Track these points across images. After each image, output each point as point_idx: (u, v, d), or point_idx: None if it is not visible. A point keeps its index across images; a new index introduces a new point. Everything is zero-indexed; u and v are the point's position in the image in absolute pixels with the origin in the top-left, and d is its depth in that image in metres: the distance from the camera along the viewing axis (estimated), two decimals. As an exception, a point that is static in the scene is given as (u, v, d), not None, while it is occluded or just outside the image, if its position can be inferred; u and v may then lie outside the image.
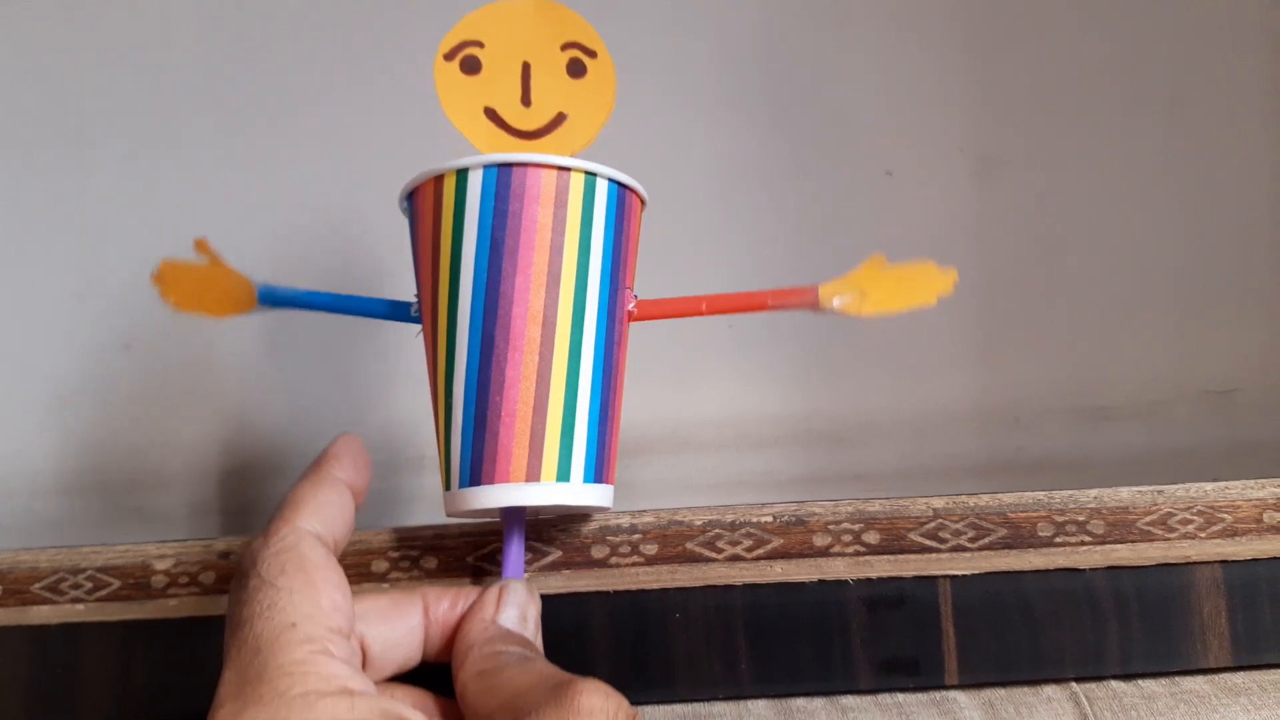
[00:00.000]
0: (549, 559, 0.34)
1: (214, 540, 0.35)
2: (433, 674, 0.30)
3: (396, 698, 0.28)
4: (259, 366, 0.49)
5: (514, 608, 0.29)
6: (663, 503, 0.49)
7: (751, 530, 0.34)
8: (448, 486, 0.31)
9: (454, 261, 0.30)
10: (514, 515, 0.31)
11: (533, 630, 0.30)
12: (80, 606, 0.35)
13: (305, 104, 0.50)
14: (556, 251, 0.30)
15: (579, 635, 0.34)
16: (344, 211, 0.49)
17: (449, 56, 0.31)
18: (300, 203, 0.50)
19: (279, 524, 0.28)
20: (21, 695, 0.34)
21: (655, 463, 0.50)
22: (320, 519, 0.28)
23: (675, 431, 0.50)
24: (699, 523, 0.34)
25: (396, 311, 0.33)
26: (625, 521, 0.35)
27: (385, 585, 0.34)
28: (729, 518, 0.34)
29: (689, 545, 0.34)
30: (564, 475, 0.30)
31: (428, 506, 0.50)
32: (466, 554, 0.34)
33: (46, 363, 0.49)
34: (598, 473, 0.31)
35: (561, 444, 0.30)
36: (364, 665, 0.28)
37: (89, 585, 0.35)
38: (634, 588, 0.34)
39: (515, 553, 0.31)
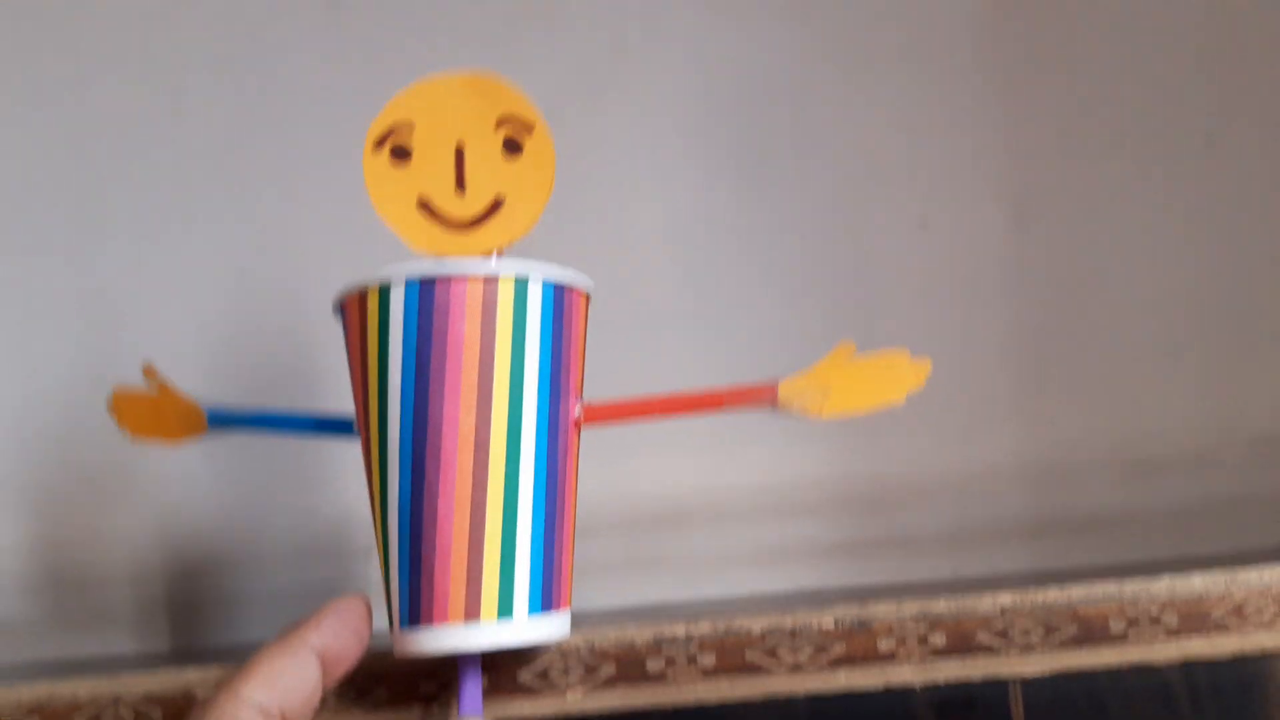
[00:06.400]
0: (603, 675, 0.33)
1: (256, 664, 0.34)
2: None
3: None
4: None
5: None
6: (702, 576, 0.49)
7: (813, 636, 0.33)
8: (390, 624, 0.29)
9: (381, 383, 0.29)
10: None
11: None
12: (122, 739, 0.34)
13: (317, 182, 0.49)
14: (486, 368, 0.28)
15: (638, 751, 0.33)
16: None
17: (379, 143, 0.30)
18: (318, 279, 0.49)
19: (221, 693, 0.26)
20: (65, 832, 0.33)
21: (693, 534, 0.49)
22: (269, 689, 0.26)
23: (713, 500, 0.49)
24: (757, 630, 0.33)
25: (338, 428, 0.32)
26: (681, 632, 0.33)
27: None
28: (788, 624, 0.33)
29: (749, 655, 0.33)
30: (506, 610, 0.28)
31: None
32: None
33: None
34: (545, 600, 0.29)
35: (501, 577, 0.28)
36: None
37: (129, 716, 0.34)
38: (693, 701, 0.33)
39: (471, 688, 0.29)
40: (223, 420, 0.33)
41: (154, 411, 0.33)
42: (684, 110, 0.50)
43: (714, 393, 0.31)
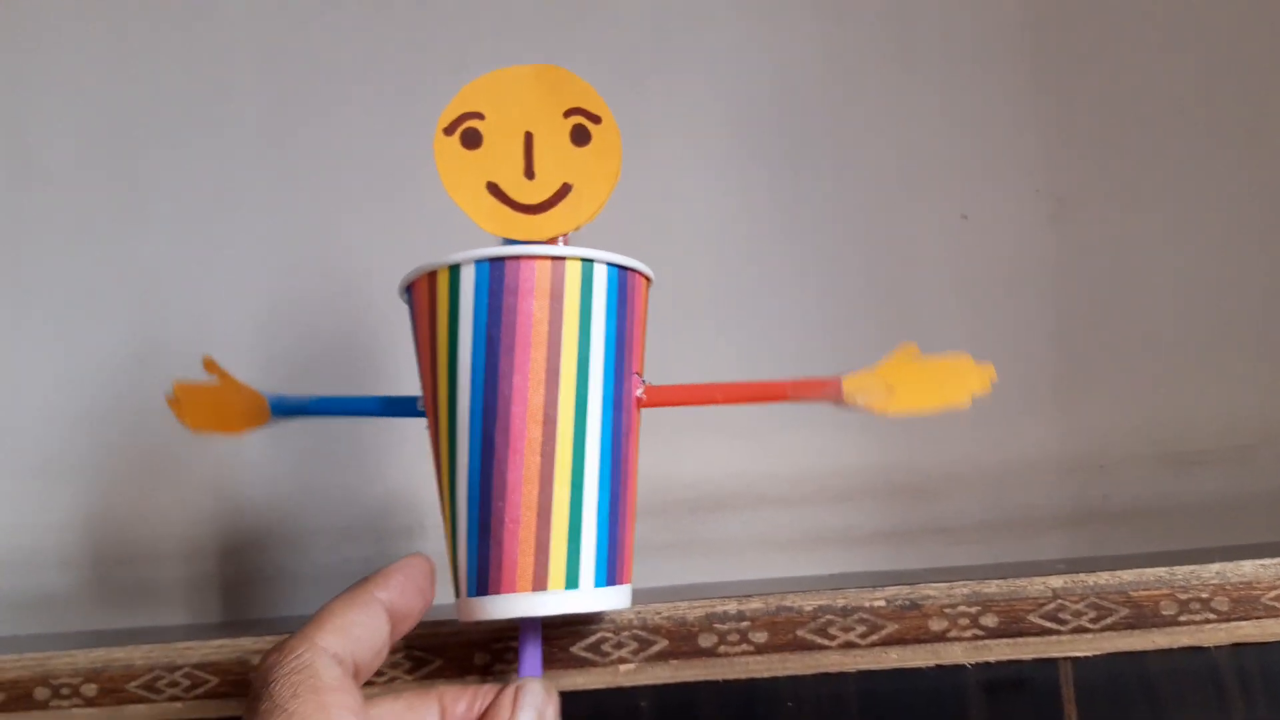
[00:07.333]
0: (655, 648, 0.33)
1: (311, 633, 0.34)
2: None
3: None
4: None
5: (530, 710, 0.28)
6: (742, 561, 0.49)
7: (864, 615, 0.33)
8: (457, 593, 0.30)
9: (451, 360, 0.29)
10: (528, 618, 0.30)
11: None
12: (179, 704, 0.34)
13: (361, 166, 0.50)
14: (554, 345, 0.29)
15: (688, 725, 0.33)
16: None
17: (449, 130, 0.30)
18: (358, 262, 0.50)
19: (297, 640, 0.27)
20: (120, 796, 0.34)
21: (731, 519, 0.49)
22: (342, 638, 0.27)
23: (751, 486, 0.49)
24: (809, 608, 0.33)
25: (404, 408, 0.32)
26: (733, 608, 0.34)
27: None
28: (840, 602, 0.33)
29: (800, 633, 0.33)
30: (573, 582, 0.28)
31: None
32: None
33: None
34: (610, 574, 0.29)
35: (569, 549, 0.28)
36: None
37: (186, 683, 0.34)
38: (744, 677, 0.33)
39: (531, 651, 0.30)
40: (286, 409, 0.33)
41: (215, 403, 0.33)
42: (726, 103, 0.50)
43: (778, 384, 0.31)
